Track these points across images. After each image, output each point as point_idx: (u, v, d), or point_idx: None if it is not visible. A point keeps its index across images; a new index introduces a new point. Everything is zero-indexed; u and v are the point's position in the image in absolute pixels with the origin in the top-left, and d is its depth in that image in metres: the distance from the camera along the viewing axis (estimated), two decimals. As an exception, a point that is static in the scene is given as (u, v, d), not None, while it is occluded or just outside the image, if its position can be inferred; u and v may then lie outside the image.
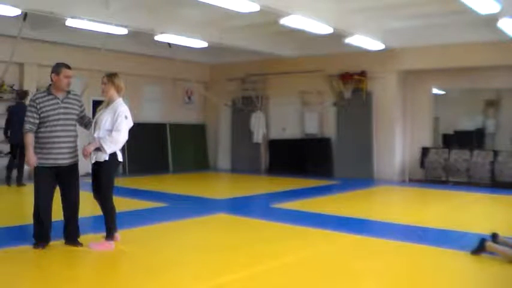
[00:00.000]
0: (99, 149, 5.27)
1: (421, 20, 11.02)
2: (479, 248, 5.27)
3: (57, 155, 5.25)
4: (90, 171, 5.47)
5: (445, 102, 13.59)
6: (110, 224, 5.40)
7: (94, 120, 5.41)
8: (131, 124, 5.45)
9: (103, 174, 5.33)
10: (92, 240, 5.49)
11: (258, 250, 5.54)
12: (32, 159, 5.22)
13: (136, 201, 8.70)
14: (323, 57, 13.54)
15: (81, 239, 5.49)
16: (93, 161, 5.34)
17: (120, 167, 10.10)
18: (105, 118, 5.32)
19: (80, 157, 5.45)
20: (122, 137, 5.31)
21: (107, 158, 5.29)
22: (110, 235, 5.39)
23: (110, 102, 5.43)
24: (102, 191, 5.36)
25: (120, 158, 5.46)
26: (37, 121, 5.21)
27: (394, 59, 12.62)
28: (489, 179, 11.73)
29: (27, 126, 5.22)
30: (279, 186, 11.68)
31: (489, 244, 5.23)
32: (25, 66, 11.89)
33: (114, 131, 5.26)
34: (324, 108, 13.88)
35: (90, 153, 5.30)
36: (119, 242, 5.42)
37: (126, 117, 5.33)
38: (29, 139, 5.23)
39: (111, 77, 5.44)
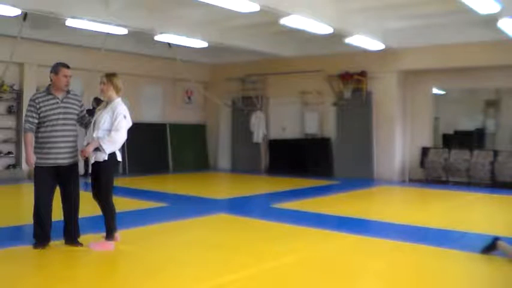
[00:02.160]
0: (98, 149, 5.27)
1: (421, 20, 11.03)
2: (490, 246, 5.26)
3: (57, 154, 5.25)
4: (89, 171, 5.47)
5: (445, 102, 13.59)
6: (109, 224, 5.39)
7: (93, 120, 5.41)
8: (130, 124, 5.45)
9: (103, 174, 5.33)
10: (92, 240, 5.49)
11: (258, 250, 5.54)
12: (30, 158, 5.22)
13: (136, 201, 8.70)
14: (323, 57, 13.54)
15: (81, 239, 5.49)
16: (92, 161, 5.34)
17: (120, 167, 10.03)
18: (104, 118, 5.32)
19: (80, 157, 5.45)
20: (120, 136, 5.31)
21: (106, 158, 5.28)
22: (110, 235, 5.38)
23: (108, 102, 5.43)
24: (102, 191, 5.36)
25: (119, 157, 5.46)
26: (36, 121, 5.22)
27: (394, 59, 12.62)
28: (489, 179, 11.73)
29: (26, 125, 5.23)
30: (279, 186, 11.68)
31: (500, 243, 5.23)
32: (25, 66, 11.90)
33: (113, 131, 5.26)
34: (325, 108, 13.88)
35: (89, 154, 5.30)
36: (119, 242, 5.42)
37: (124, 117, 5.33)
38: (29, 138, 5.23)
39: (110, 77, 5.44)
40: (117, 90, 5.43)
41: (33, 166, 5.26)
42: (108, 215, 5.40)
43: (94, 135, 5.30)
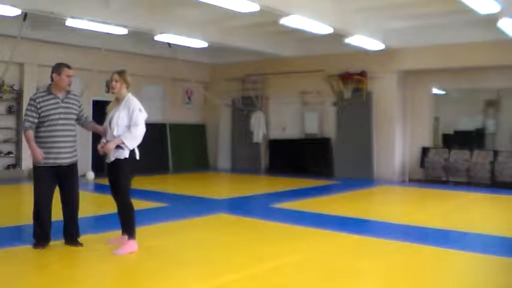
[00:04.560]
0: (119, 147, 5.24)
1: (421, 20, 11.03)
2: None
3: (57, 154, 5.25)
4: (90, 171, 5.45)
5: (445, 102, 13.59)
6: (129, 223, 5.34)
7: (108, 119, 5.35)
8: (146, 115, 5.41)
9: (122, 172, 5.29)
10: (92, 241, 5.48)
11: (258, 250, 5.54)
12: (38, 154, 5.19)
13: (136, 201, 8.55)
14: (323, 57, 13.55)
15: (81, 239, 5.49)
16: (112, 159, 5.31)
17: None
18: (120, 115, 5.28)
19: (81, 157, 5.43)
20: (140, 130, 5.29)
21: (127, 156, 5.26)
22: (131, 235, 5.31)
23: (119, 99, 5.39)
24: (121, 189, 5.31)
25: (138, 156, 5.41)
26: (36, 120, 5.22)
27: (394, 59, 12.62)
28: (489, 179, 11.72)
29: (26, 124, 5.23)
30: (279, 186, 11.67)
31: None
32: (25, 66, 11.90)
33: (132, 126, 5.23)
34: (325, 108, 13.89)
35: (110, 151, 5.26)
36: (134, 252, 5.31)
37: (140, 110, 5.31)
38: (30, 135, 5.23)
39: (122, 74, 5.39)
40: (128, 87, 5.42)
41: (42, 161, 5.21)
42: (126, 214, 5.35)
43: (114, 133, 5.25)
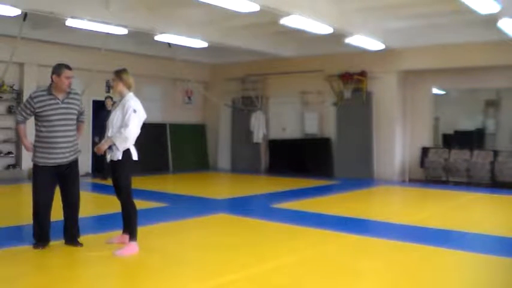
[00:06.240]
0: (112, 147, 5.21)
1: (421, 20, 11.01)
2: None
3: (57, 154, 5.25)
4: (89, 171, 5.46)
5: (445, 102, 13.59)
6: (131, 223, 5.33)
7: (109, 119, 5.36)
8: (144, 117, 5.33)
9: (119, 174, 5.28)
10: (92, 241, 5.48)
11: (258, 250, 5.54)
12: (28, 145, 5.34)
13: (136, 201, 8.59)
14: (323, 57, 13.54)
15: (81, 239, 5.49)
16: (108, 160, 5.32)
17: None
18: (116, 115, 5.26)
19: (81, 157, 5.43)
20: (130, 132, 5.16)
21: (120, 158, 5.21)
22: (132, 236, 5.29)
23: (121, 98, 5.37)
24: (121, 190, 5.30)
25: (135, 157, 5.33)
26: (29, 117, 5.31)
27: (394, 59, 12.62)
28: (489, 179, 11.72)
29: (19, 117, 5.32)
30: (279, 186, 11.67)
31: None
32: (25, 66, 11.90)
33: (123, 127, 5.15)
34: (325, 108, 13.88)
35: (103, 151, 5.27)
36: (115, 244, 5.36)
37: (134, 111, 5.19)
38: (22, 129, 5.36)
39: (118, 73, 5.36)
40: (128, 86, 5.34)
41: (32, 148, 5.32)
42: (128, 214, 5.34)
43: (109, 133, 5.24)
